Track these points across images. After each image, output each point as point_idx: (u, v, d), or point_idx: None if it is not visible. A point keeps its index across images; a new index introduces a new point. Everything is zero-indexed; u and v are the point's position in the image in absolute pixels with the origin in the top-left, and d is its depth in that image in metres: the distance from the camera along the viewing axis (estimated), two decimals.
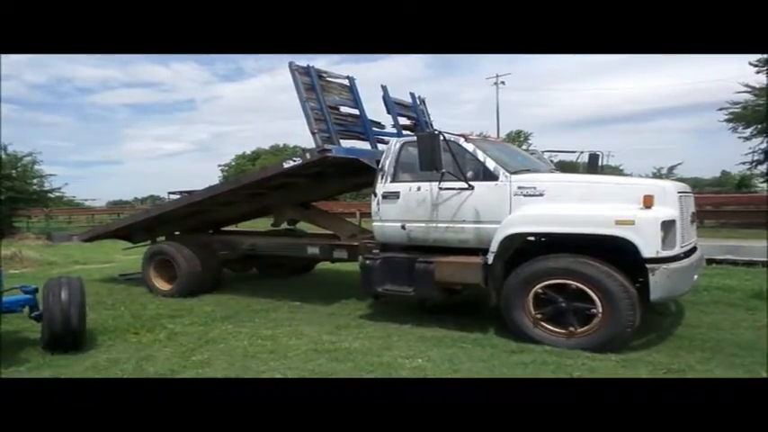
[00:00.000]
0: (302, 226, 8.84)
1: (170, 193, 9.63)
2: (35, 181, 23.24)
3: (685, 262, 4.79)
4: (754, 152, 22.77)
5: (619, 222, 4.54)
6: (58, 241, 12.12)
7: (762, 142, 22.32)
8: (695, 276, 5.08)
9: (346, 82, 7.04)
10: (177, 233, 8.63)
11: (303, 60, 6.41)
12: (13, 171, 22.19)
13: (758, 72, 21.03)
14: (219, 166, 57.15)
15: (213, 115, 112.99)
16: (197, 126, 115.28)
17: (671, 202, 4.74)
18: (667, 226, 4.56)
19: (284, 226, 8.47)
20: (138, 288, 8.12)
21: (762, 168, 23.71)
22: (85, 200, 33.73)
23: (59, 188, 24.24)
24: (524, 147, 31.76)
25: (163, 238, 8.68)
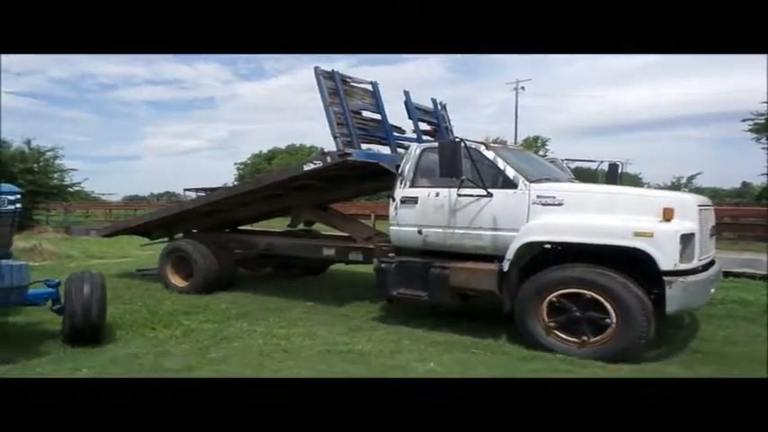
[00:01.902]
0: (317, 227, 8.90)
1: (186, 190, 9.75)
2: (56, 175, 23.60)
3: (703, 275, 4.77)
4: None
5: (638, 234, 4.54)
6: (76, 234, 12.29)
7: None
8: (712, 290, 5.06)
9: (369, 87, 7.10)
10: (195, 231, 8.73)
11: (322, 61, 6.49)
12: (35, 165, 22.56)
13: None
14: (236, 164, 57.73)
15: (232, 113, 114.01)
16: (215, 124, 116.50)
17: (691, 216, 4.73)
18: (686, 239, 4.55)
19: (300, 226, 8.55)
20: (155, 284, 8.23)
21: None
22: (103, 194, 34.10)
23: (79, 183, 24.62)
24: (542, 153, 31.61)
25: (180, 235, 8.81)
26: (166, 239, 8.87)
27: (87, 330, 4.94)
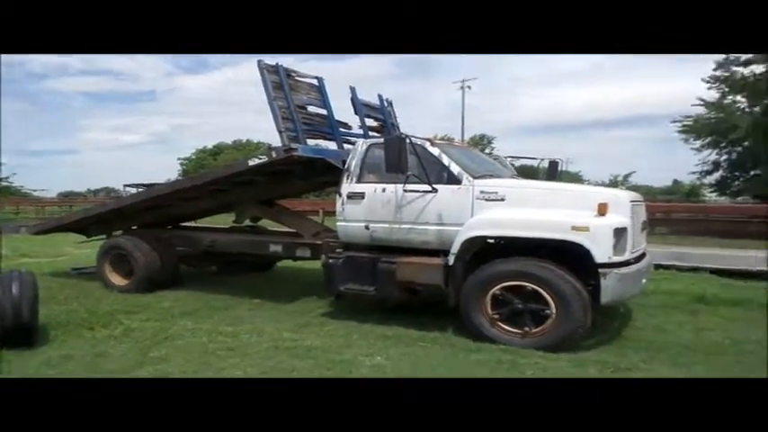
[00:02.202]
0: (264, 223, 8.79)
1: (126, 185, 9.37)
2: None
3: (634, 267, 5.02)
4: (704, 163, 23.86)
5: (575, 228, 4.73)
6: (6, 233, 11.56)
7: (711, 154, 23.41)
8: (643, 281, 5.34)
9: (315, 82, 7.05)
10: (134, 228, 8.43)
11: (271, 58, 6.40)
12: None
13: (709, 88, 22.11)
14: (179, 159, 55.79)
15: (174, 107, 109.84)
16: (157, 117, 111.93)
17: (623, 211, 4.96)
18: (619, 233, 4.78)
19: (247, 223, 8.41)
20: (93, 283, 7.89)
21: (710, 179, 24.88)
22: (34, 190, 32.41)
23: (7, 177, 23.29)
24: (488, 150, 32.35)
25: (120, 232, 8.48)
26: (104, 237, 8.52)
27: (18, 332, 4.69)
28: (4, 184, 23.72)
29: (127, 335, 5.33)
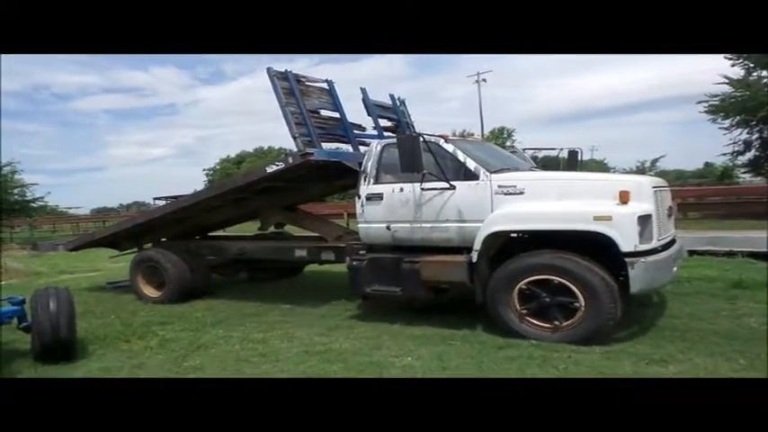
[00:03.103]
0: (290, 230, 8.89)
1: (155, 198, 9.59)
2: (16, 191, 22.96)
3: (663, 255, 4.91)
4: (735, 143, 23.07)
5: (597, 218, 4.65)
6: (43, 251, 11.98)
7: (741, 133, 22.63)
8: (674, 268, 5.21)
9: (325, 86, 7.10)
10: (164, 240, 8.62)
11: (283, 61, 6.49)
12: None
13: (733, 65, 21.38)
14: (204, 170, 56.83)
15: (195, 119, 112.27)
16: (179, 131, 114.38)
17: (646, 198, 4.85)
18: (644, 220, 4.68)
19: (271, 229, 8.52)
20: (127, 296, 8.12)
21: (743, 159, 24.06)
22: (69, 208, 33.43)
23: (42, 197, 24.02)
24: (508, 143, 32.00)
25: (150, 245, 8.68)
26: (135, 250, 8.73)
27: (57, 347, 4.84)
28: (40, 203, 24.40)
29: (162, 345, 5.46)
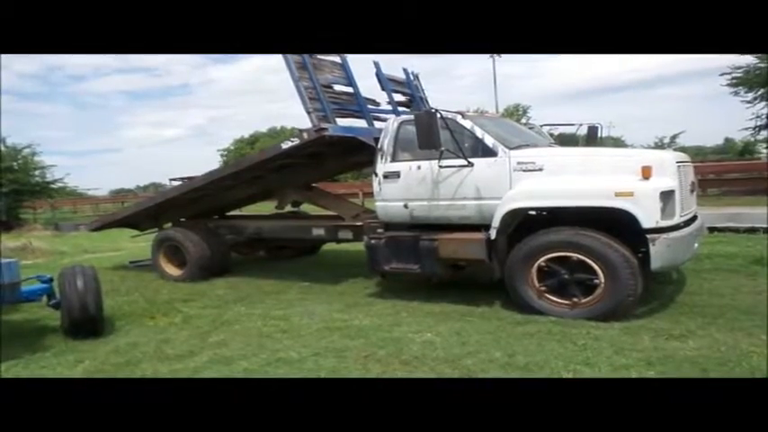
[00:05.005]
0: (307, 208, 8.94)
1: (171, 179, 9.70)
2: (37, 173, 23.28)
3: (685, 231, 4.88)
4: (757, 117, 22.45)
5: (618, 194, 4.61)
6: (65, 231, 12.26)
7: (765, 107, 22.01)
8: (695, 245, 5.18)
9: (338, 59, 7.00)
10: (183, 219, 8.74)
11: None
12: (14, 163, 22.24)
13: None
14: (218, 150, 56.98)
15: (209, 99, 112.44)
16: (193, 111, 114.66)
17: (669, 173, 4.80)
18: (666, 196, 4.64)
19: (288, 208, 8.58)
20: (150, 274, 8.28)
21: (765, 134, 23.47)
22: (88, 189, 33.84)
23: (62, 179, 24.30)
24: (523, 120, 31.59)
25: (169, 224, 8.81)
26: (156, 230, 8.87)
27: (86, 323, 5.00)
28: (60, 184, 24.73)
29: (186, 322, 5.59)
